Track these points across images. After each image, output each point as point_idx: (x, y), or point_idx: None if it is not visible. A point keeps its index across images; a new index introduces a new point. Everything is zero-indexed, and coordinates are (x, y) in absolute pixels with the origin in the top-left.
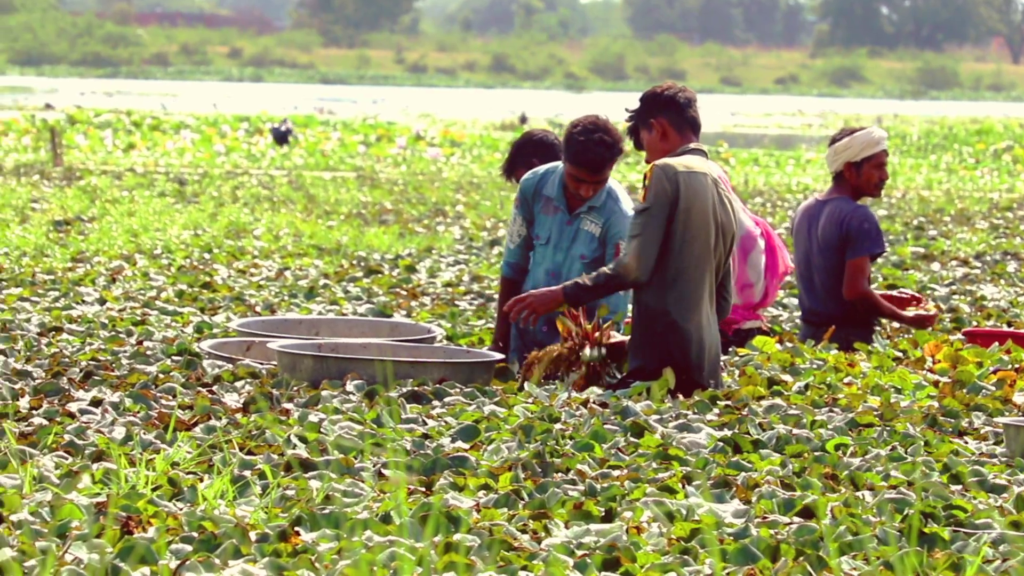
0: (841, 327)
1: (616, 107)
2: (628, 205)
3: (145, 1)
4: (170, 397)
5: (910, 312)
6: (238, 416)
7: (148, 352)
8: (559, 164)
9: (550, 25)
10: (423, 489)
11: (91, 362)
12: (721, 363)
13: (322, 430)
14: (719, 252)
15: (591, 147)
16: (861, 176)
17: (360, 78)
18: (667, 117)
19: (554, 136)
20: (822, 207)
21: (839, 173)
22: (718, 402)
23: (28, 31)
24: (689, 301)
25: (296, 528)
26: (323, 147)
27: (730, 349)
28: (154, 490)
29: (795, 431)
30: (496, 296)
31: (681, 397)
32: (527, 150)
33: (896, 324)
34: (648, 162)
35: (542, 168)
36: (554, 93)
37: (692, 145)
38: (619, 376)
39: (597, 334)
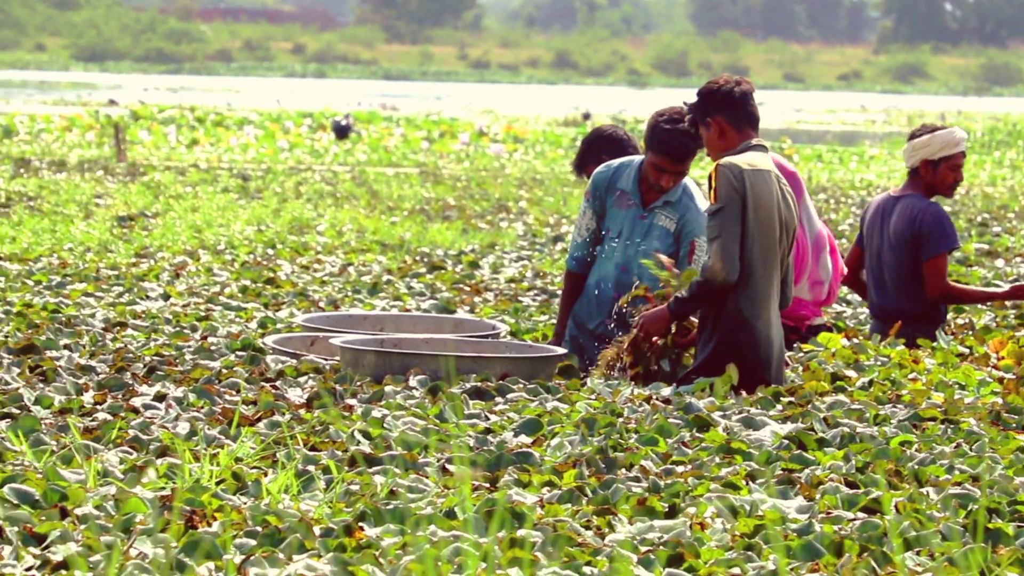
0: (909, 323)
1: (678, 103)
2: (703, 203)
3: None
4: (234, 392)
5: (1003, 288)
6: (301, 412)
7: (212, 347)
8: (633, 158)
9: (613, 21)
10: (487, 485)
11: (155, 357)
12: (786, 359)
13: (386, 425)
14: (783, 247)
15: (676, 136)
16: (936, 175)
17: (423, 74)
18: (724, 115)
19: (624, 132)
20: (895, 203)
21: (915, 169)
22: (781, 398)
23: (92, 27)
24: (759, 298)
25: (360, 523)
26: (386, 143)
27: (795, 345)
28: (218, 484)
29: (859, 428)
30: (559, 291)
31: (744, 393)
32: (597, 146)
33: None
34: (709, 156)
35: (616, 162)
36: (617, 89)
37: (753, 141)
38: (666, 369)
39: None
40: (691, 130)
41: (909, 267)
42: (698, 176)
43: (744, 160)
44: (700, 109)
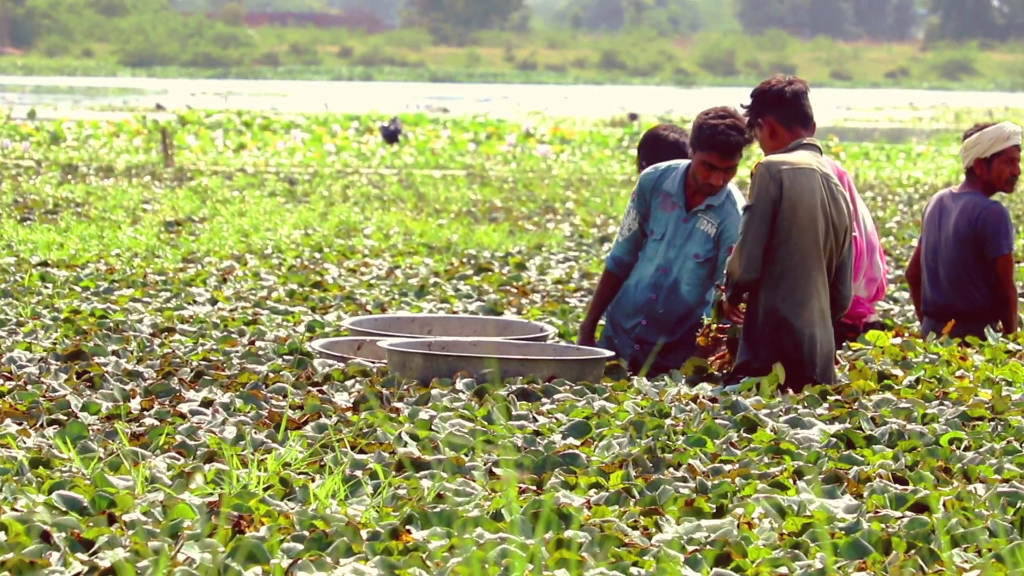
0: (962, 322)
1: (727, 102)
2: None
3: (255, 1)
4: (281, 397)
5: None
6: (348, 415)
7: (259, 352)
8: (680, 162)
9: (660, 21)
10: (534, 487)
11: (202, 362)
12: (836, 357)
13: (433, 428)
14: (830, 247)
15: (723, 130)
16: (991, 172)
17: (469, 76)
18: (774, 115)
19: (681, 132)
20: (955, 201)
21: (970, 169)
22: (828, 397)
23: (139, 32)
24: (798, 298)
25: (407, 526)
26: (433, 145)
27: (844, 344)
28: (266, 489)
29: (908, 426)
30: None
31: (791, 392)
32: (658, 147)
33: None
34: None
35: (664, 164)
36: (664, 89)
37: (805, 140)
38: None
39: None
40: (739, 124)
41: (967, 265)
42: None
43: (785, 159)
44: (753, 110)
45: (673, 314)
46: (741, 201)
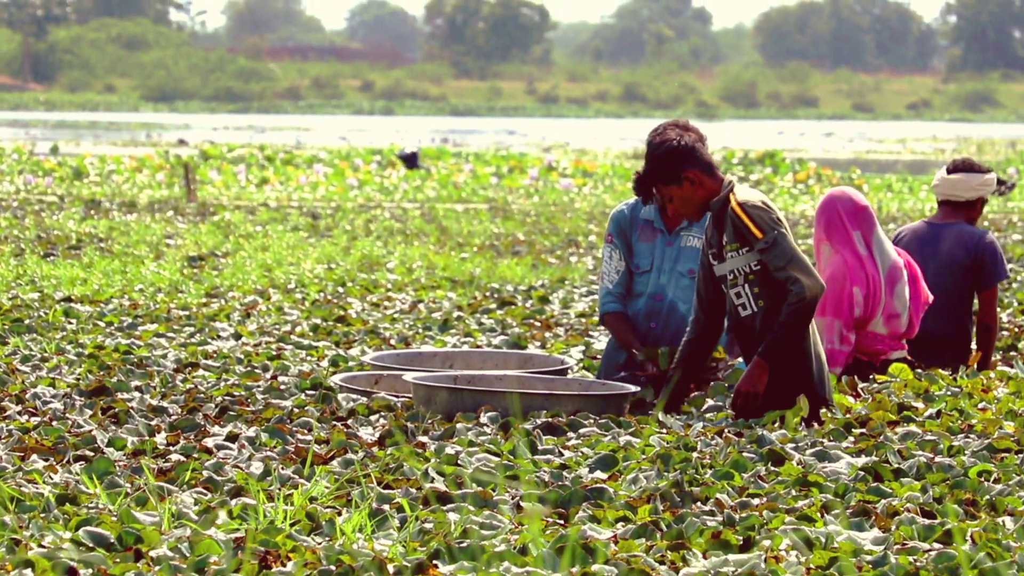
0: (949, 350)
1: (748, 134)
2: None
3: (277, 35)
4: (306, 431)
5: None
6: (374, 449)
7: (283, 387)
8: None
9: (681, 54)
10: (560, 521)
11: (226, 397)
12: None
13: (459, 462)
14: None
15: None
16: (976, 210)
17: (490, 109)
18: (698, 166)
19: None
20: (940, 230)
21: (967, 201)
22: (853, 430)
23: (161, 68)
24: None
25: (434, 561)
26: (455, 179)
27: (870, 376)
28: (292, 525)
29: (936, 459)
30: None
31: (816, 425)
32: None
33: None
34: (677, 214)
35: (631, 199)
36: None
37: (729, 179)
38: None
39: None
40: (643, 165)
41: (958, 294)
42: None
43: (749, 195)
44: (666, 171)
45: (670, 333)
46: None
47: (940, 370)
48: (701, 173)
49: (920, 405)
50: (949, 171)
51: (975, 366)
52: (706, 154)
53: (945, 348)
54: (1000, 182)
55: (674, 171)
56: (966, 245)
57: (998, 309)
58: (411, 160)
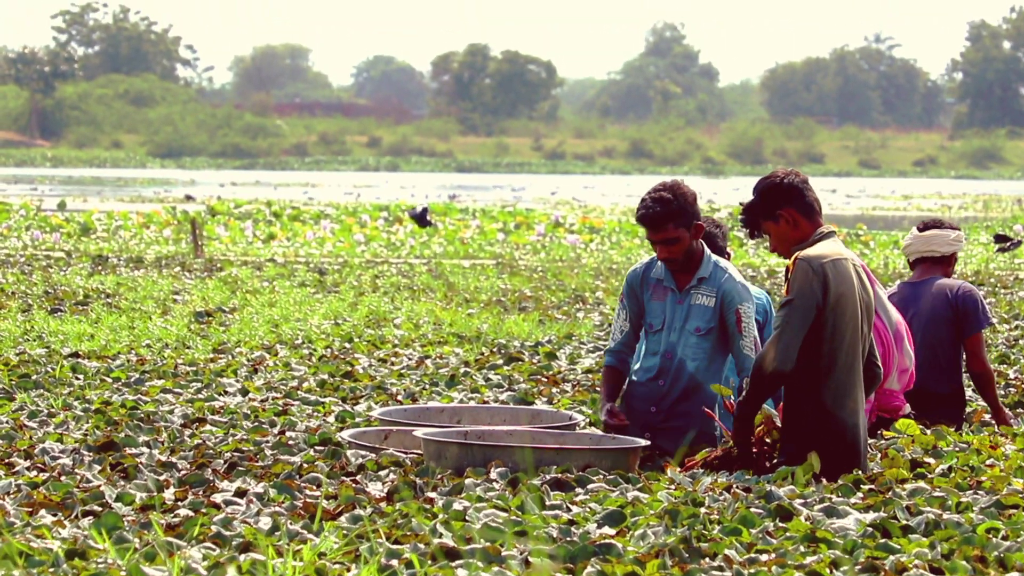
0: (938, 406)
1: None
2: (737, 275)
3: (284, 91)
4: (314, 487)
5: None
6: (382, 505)
7: (291, 442)
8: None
9: (688, 110)
10: None
11: (235, 453)
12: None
13: (467, 518)
14: (865, 332)
15: (646, 204)
16: (951, 265)
17: (496, 165)
18: (794, 206)
19: (710, 223)
20: (919, 288)
21: (944, 256)
22: (861, 486)
23: (168, 124)
24: (844, 388)
25: None
26: (462, 235)
27: (878, 432)
28: None
29: (944, 515)
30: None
31: (825, 480)
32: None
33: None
34: (775, 251)
35: (645, 259)
36: (692, 179)
37: (824, 229)
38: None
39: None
40: (663, 196)
41: (943, 348)
42: (750, 262)
43: (823, 252)
44: (767, 203)
45: (678, 390)
46: (730, 267)
47: (944, 426)
48: (798, 214)
49: (931, 461)
50: (921, 229)
51: (978, 422)
52: (809, 197)
53: (938, 404)
54: (1006, 239)
55: (771, 207)
56: (946, 297)
57: (994, 363)
58: (422, 218)
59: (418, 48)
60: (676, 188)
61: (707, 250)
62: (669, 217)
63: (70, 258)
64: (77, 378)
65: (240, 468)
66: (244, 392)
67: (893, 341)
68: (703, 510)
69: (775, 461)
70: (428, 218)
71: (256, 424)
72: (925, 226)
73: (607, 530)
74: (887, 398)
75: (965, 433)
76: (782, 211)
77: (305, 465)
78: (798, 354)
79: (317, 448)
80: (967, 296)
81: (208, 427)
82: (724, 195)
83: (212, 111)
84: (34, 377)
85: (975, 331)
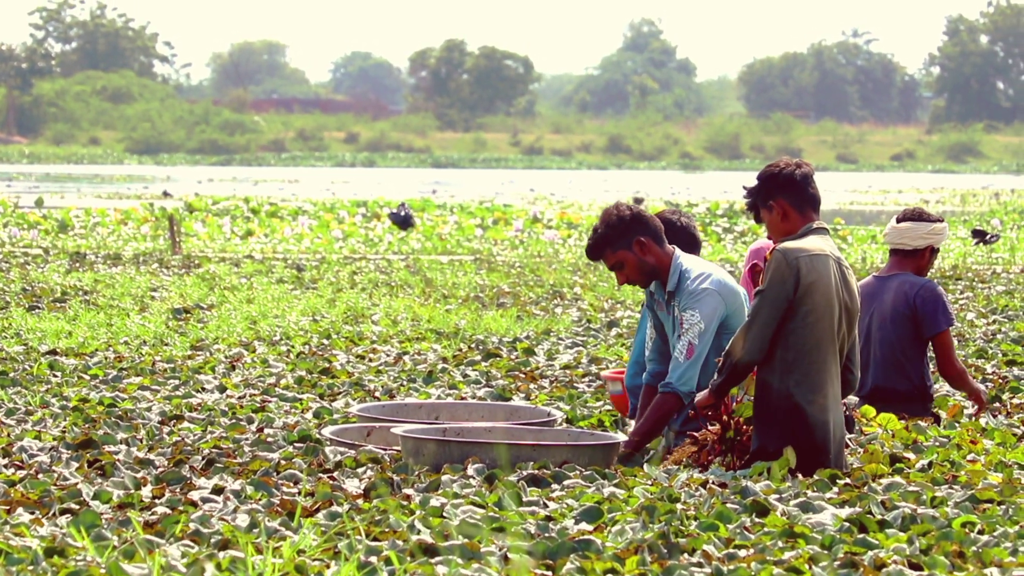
0: (901, 403)
1: (732, 185)
2: (695, 282)
3: (261, 88)
4: (292, 484)
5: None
6: (360, 502)
7: (269, 439)
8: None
9: (665, 106)
10: (548, 573)
11: (213, 450)
12: (846, 441)
13: (444, 515)
14: (842, 332)
15: (589, 236)
16: (931, 259)
17: (473, 161)
18: (786, 198)
19: (677, 216)
20: (885, 283)
21: (905, 251)
22: (837, 480)
23: (145, 120)
24: (812, 383)
25: None
26: (440, 231)
27: (856, 427)
28: None
29: (920, 510)
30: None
31: (800, 476)
32: (667, 232)
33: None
34: (770, 239)
35: None
36: (669, 173)
37: (815, 224)
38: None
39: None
40: (597, 227)
41: (904, 345)
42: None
43: (801, 246)
44: (762, 192)
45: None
46: (692, 275)
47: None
48: (789, 206)
49: (911, 456)
50: (899, 220)
51: (951, 417)
52: (805, 192)
53: (897, 400)
54: (983, 233)
55: (765, 196)
56: (906, 295)
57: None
58: (405, 222)
59: (395, 44)
60: (605, 214)
61: (677, 259)
62: (604, 244)
63: (48, 255)
64: (55, 375)
65: (218, 465)
66: (222, 389)
67: None
68: (679, 506)
69: (750, 452)
70: (412, 222)
71: (234, 421)
72: (903, 216)
73: (584, 526)
74: None
75: (943, 428)
76: (774, 201)
77: (283, 462)
78: (768, 345)
79: (296, 445)
80: (928, 296)
81: (186, 424)
82: (702, 190)
83: (190, 107)
84: (11, 374)
85: (935, 332)
